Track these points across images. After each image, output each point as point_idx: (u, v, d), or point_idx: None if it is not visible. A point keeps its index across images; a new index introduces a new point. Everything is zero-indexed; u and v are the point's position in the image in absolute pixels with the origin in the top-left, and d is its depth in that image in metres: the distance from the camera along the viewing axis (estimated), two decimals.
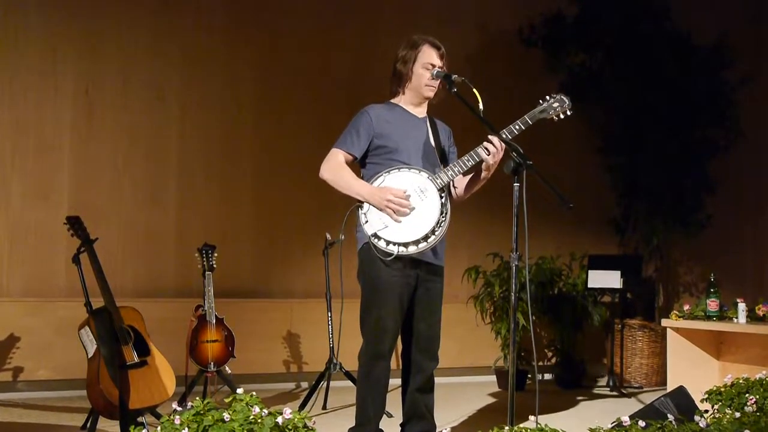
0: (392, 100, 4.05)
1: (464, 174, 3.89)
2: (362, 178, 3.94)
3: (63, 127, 6.41)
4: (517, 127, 3.76)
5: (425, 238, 3.71)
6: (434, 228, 3.71)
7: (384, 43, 7.25)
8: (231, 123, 6.90)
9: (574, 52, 7.39)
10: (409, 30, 7.16)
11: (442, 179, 3.76)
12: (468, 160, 3.78)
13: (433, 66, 3.91)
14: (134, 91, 6.62)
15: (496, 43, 7.57)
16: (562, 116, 3.91)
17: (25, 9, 6.31)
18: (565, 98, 3.92)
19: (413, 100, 4.00)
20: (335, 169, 3.87)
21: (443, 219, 3.74)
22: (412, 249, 3.72)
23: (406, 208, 3.71)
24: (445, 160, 3.99)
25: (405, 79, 3.95)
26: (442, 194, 3.76)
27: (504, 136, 3.70)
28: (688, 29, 7.24)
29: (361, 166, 3.98)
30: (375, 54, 7.24)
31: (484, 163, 3.79)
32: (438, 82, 3.90)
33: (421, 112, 4.03)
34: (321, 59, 7.16)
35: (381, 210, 3.74)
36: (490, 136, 3.74)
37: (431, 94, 3.97)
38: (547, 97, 3.91)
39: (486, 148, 3.74)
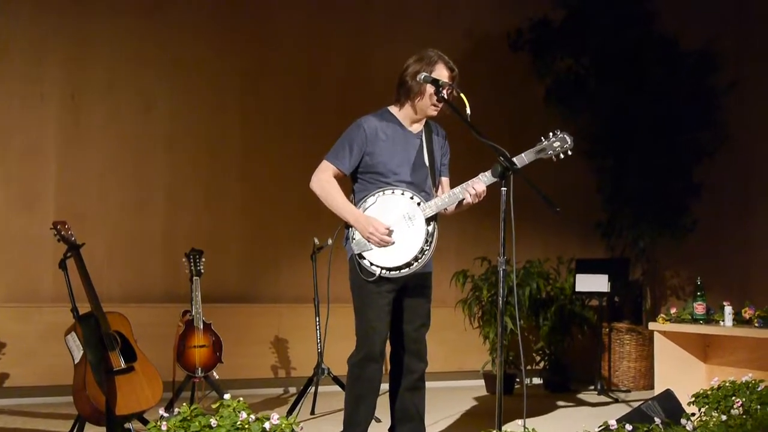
0: (390, 110, 3.98)
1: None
2: (353, 192, 3.95)
3: (49, 133, 6.39)
4: (516, 164, 3.62)
5: (407, 265, 3.75)
6: (417, 256, 3.74)
7: (374, 48, 7.29)
8: (218, 128, 6.88)
9: (560, 57, 7.42)
10: (398, 34, 7.29)
11: (431, 209, 3.77)
12: (456, 195, 3.78)
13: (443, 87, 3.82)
14: (121, 97, 6.60)
15: (484, 48, 7.59)
16: (562, 156, 3.77)
17: (13, 15, 6.29)
18: (567, 137, 3.76)
19: (413, 116, 3.94)
20: (324, 185, 3.87)
21: (427, 248, 3.76)
22: (394, 273, 3.77)
23: (386, 243, 3.74)
24: (436, 177, 3.99)
25: (414, 95, 3.86)
26: (430, 222, 3.77)
27: (488, 142, 3.68)
28: (674, 34, 7.27)
29: (352, 180, 3.97)
30: (364, 60, 7.27)
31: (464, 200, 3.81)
32: (441, 103, 3.83)
33: (417, 127, 3.97)
34: (310, 65, 7.16)
35: (364, 238, 3.77)
36: (475, 183, 3.74)
37: (435, 114, 3.92)
38: (550, 135, 3.77)
39: (470, 191, 3.74)
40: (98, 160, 6.52)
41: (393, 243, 3.75)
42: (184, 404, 2.92)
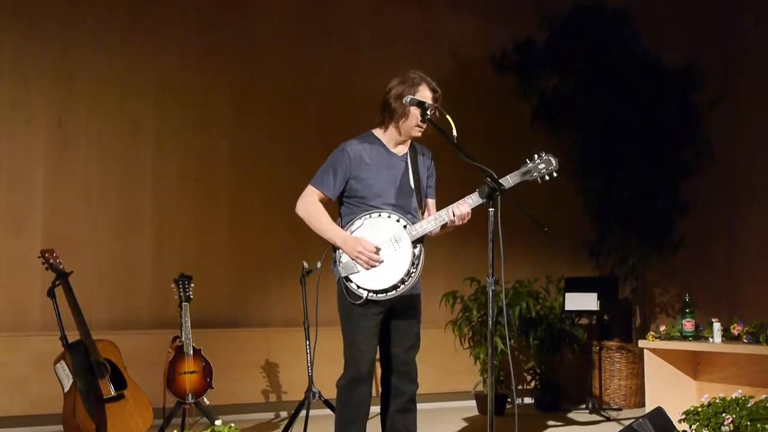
0: (375, 133, 3.99)
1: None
2: (340, 216, 3.96)
3: (36, 158, 6.36)
4: (503, 185, 3.64)
5: (394, 287, 3.76)
6: (404, 278, 3.75)
7: (361, 69, 7.31)
8: (206, 152, 6.88)
9: (546, 77, 7.47)
10: (385, 54, 7.32)
11: (417, 231, 3.78)
12: (441, 217, 3.79)
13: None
14: (108, 120, 6.59)
15: (469, 69, 7.63)
16: (547, 178, 3.76)
17: None
18: (552, 159, 3.75)
19: (398, 138, 3.95)
20: (310, 209, 3.88)
21: (414, 270, 3.77)
22: (381, 296, 3.77)
23: (375, 262, 3.75)
24: (422, 199, 4.00)
25: (398, 117, 3.87)
26: (416, 245, 3.78)
27: (475, 162, 3.70)
28: (658, 53, 7.34)
29: (338, 204, 3.99)
30: (352, 80, 7.28)
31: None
32: (426, 124, 3.84)
33: (402, 149, 3.99)
34: (298, 86, 7.17)
35: (352, 259, 3.78)
36: (460, 205, 3.76)
37: (419, 135, 3.93)
38: (535, 157, 3.76)
39: (454, 212, 3.76)
40: (85, 185, 6.49)
41: (381, 262, 3.76)
42: (175, 431, 2.91)
